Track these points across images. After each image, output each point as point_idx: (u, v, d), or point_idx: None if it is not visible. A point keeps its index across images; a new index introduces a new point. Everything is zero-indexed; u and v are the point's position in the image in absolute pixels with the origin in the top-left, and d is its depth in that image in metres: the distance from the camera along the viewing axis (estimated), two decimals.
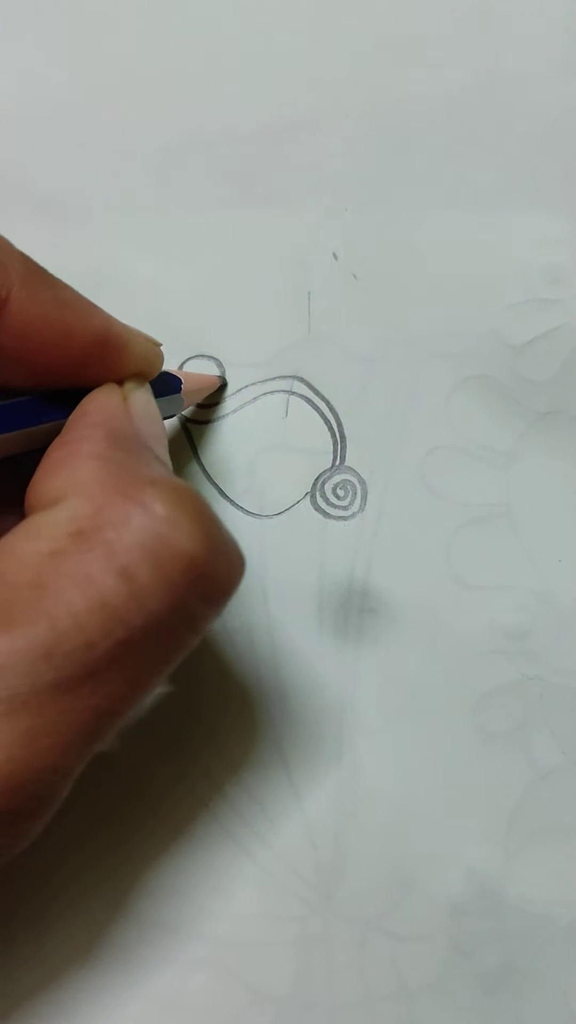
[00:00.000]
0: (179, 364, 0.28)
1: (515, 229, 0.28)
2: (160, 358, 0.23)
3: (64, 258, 0.29)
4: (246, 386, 0.28)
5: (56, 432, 0.21)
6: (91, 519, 0.17)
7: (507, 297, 0.28)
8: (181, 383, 0.25)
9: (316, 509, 0.28)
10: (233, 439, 0.28)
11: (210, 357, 0.29)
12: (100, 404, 0.21)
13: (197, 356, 0.28)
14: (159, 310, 0.29)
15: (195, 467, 0.28)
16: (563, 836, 0.27)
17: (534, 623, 0.28)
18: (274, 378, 0.28)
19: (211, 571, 0.18)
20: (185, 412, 0.28)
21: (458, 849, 0.27)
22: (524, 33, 0.29)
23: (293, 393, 0.28)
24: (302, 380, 0.28)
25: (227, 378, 0.29)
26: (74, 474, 0.18)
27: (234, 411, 0.28)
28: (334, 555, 0.28)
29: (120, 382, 0.22)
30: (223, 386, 0.29)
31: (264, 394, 0.28)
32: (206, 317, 0.29)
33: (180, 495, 0.18)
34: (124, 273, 0.29)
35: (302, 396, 0.28)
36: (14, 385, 0.21)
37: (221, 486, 0.28)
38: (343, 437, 0.28)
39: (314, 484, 0.28)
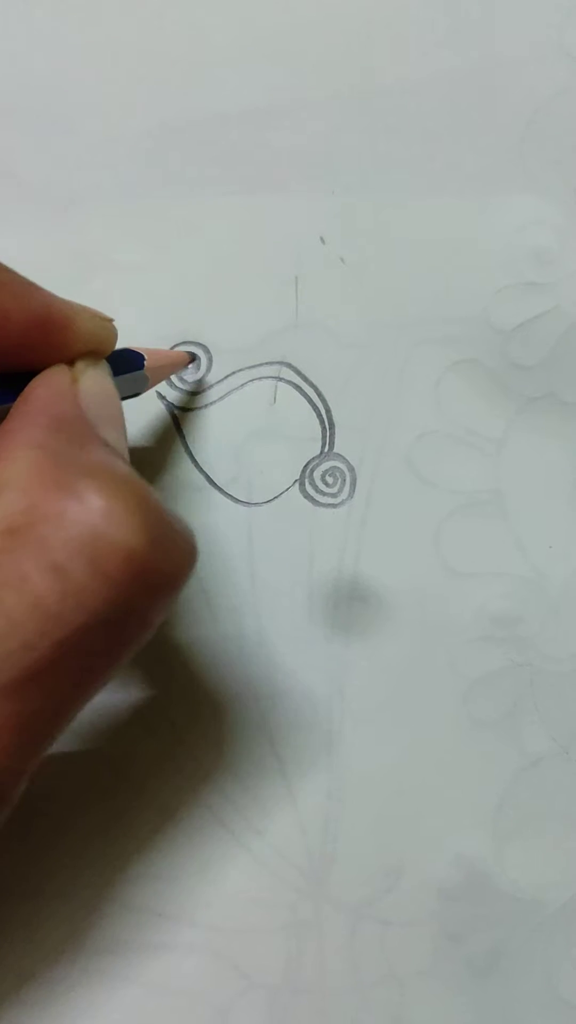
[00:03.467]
0: (169, 349, 0.28)
1: (504, 213, 0.28)
2: (112, 333, 0.22)
3: (52, 246, 0.28)
4: (234, 372, 0.28)
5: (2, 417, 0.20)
6: (24, 514, 0.17)
7: (496, 281, 0.28)
8: (144, 359, 0.24)
9: (305, 496, 0.28)
10: (221, 426, 0.28)
11: (197, 343, 0.28)
12: (43, 388, 0.20)
13: (184, 343, 0.28)
14: (147, 297, 0.28)
15: (183, 455, 0.28)
16: (552, 822, 0.27)
17: (524, 610, 0.28)
18: (262, 364, 0.28)
19: (154, 564, 0.17)
20: (175, 402, 0.28)
21: (448, 835, 0.27)
22: (512, 16, 0.28)
23: (281, 379, 0.28)
24: (290, 366, 0.28)
25: (215, 364, 0.28)
26: (10, 466, 0.17)
27: (222, 398, 0.28)
28: (323, 542, 0.28)
29: (71, 362, 0.21)
30: (194, 361, 0.28)
31: (252, 380, 0.28)
32: (194, 303, 0.28)
33: (119, 484, 0.17)
34: (112, 260, 0.28)
35: (290, 382, 0.28)
36: None
37: (209, 474, 0.28)
38: (332, 423, 0.28)
39: (303, 471, 0.28)
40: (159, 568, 0.17)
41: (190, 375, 0.28)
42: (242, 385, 0.28)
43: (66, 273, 0.28)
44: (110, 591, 0.16)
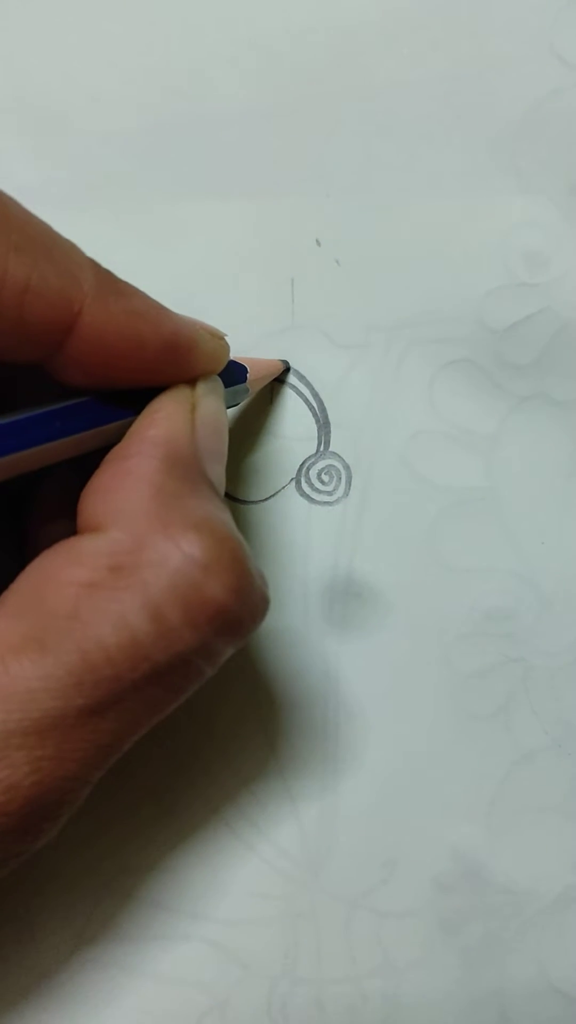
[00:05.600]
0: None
1: (497, 213, 0.28)
2: (226, 350, 0.23)
3: None
4: None
5: (120, 433, 0.21)
6: (131, 555, 0.18)
7: (489, 282, 0.28)
8: (247, 372, 0.25)
9: (301, 495, 0.28)
10: None
11: None
12: (165, 417, 0.21)
13: None
14: None
15: None
16: (545, 815, 0.28)
17: (517, 605, 0.28)
18: None
19: (236, 617, 0.19)
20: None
21: (442, 828, 0.28)
22: (505, 17, 0.28)
23: (277, 380, 0.29)
24: (286, 366, 0.29)
25: None
26: (123, 500, 0.19)
27: None
28: (319, 540, 0.28)
29: (192, 381, 0.22)
30: (287, 369, 0.29)
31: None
32: (189, 304, 0.29)
33: (219, 542, 0.18)
34: (106, 260, 0.28)
35: (286, 382, 0.29)
36: (79, 385, 0.21)
37: None
38: (327, 423, 0.29)
39: (299, 470, 0.28)
40: (240, 620, 0.19)
41: None
42: None
43: None
44: (196, 637, 0.18)
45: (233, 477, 0.28)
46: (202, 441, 0.21)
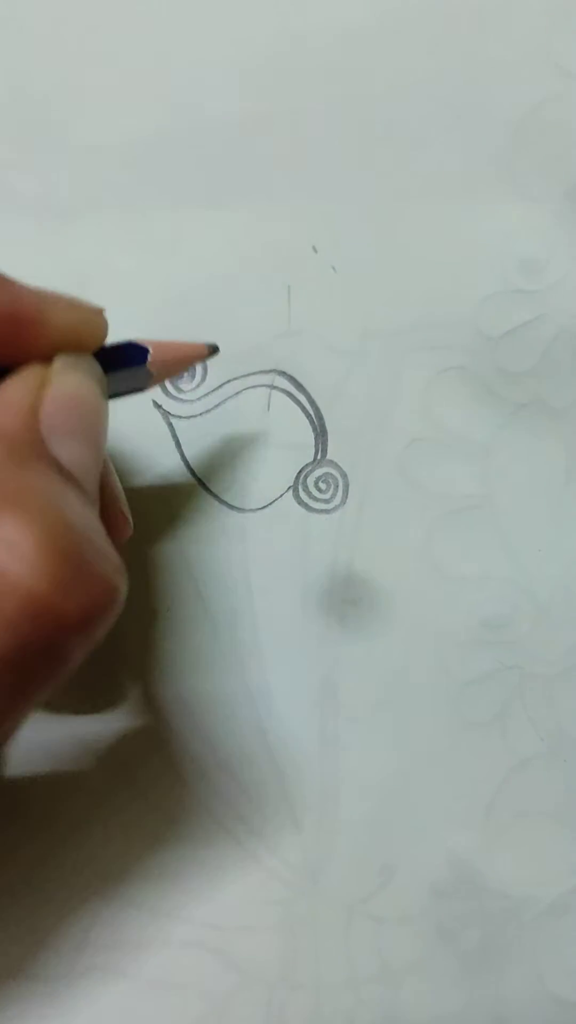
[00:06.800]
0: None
1: (492, 220, 0.28)
2: (100, 326, 0.21)
3: (46, 256, 0.29)
4: (228, 381, 0.29)
5: None
6: None
7: (485, 288, 0.28)
8: (148, 353, 0.23)
9: (299, 503, 0.28)
10: (216, 434, 0.29)
11: None
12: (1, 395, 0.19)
13: None
14: (141, 306, 0.29)
15: (179, 462, 0.29)
16: (541, 821, 0.28)
17: (513, 613, 0.28)
18: (256, 372, 0.29)
19: (58, 606, 0.16)
20: (170, 410, 0.29)
21: (440, 834, 0.28)
22: (503, 24, 0.28)
23: (275, 387, 0.29)
24: (283, 374, 0.29)
25: (209, 372, 0.29)
26: None
27: (217, 406, 0.29)
28: (317, 548, 0.28)
29: (50, 359, 0.20)
30: (214, 354, 0.25)
31: (246, 388, 0.29)
32: (187, 311, 0.29)
33: (33, 516, 0.16)
34: (106, 269, 0.29)
35: (283, 390, 0.29)
36: None
37: (205, 481, 0.29)
38: (324, 430, 0.29)
39: (296, 478, 0.29)
40: (64, 610, 0.16)
41: (186, 384, 0.29)
42: (236, 393, 0.29)
43: (62, 283, 0.29)
44: (10, 634, 0.16)
45: (230, 485, 0.28)
46: (50, 419, 0.19)
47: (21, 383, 0.19)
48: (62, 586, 0.16)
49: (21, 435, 0.18)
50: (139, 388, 0.23)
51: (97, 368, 0.21)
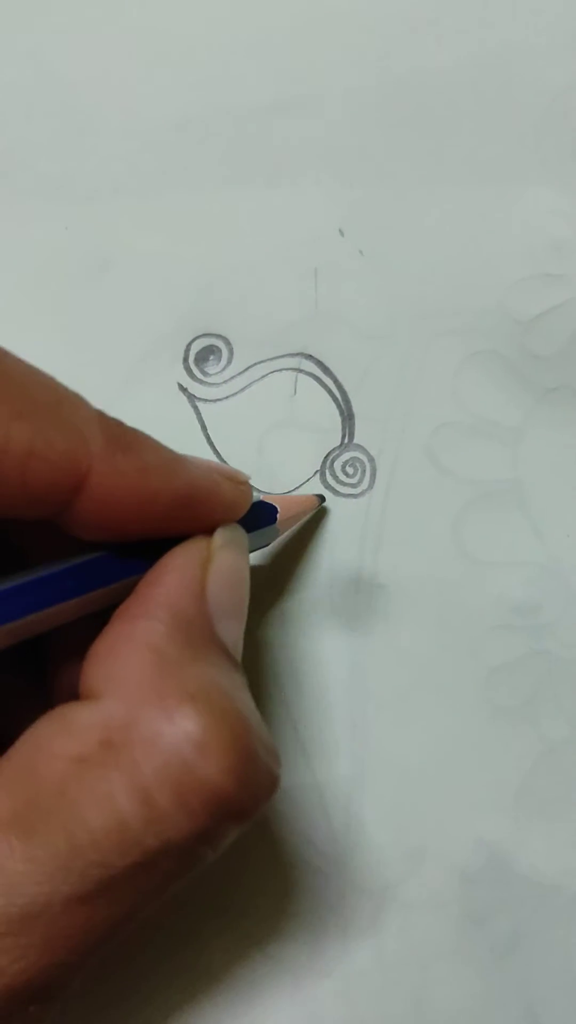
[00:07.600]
0: (186, 343, 0.28)
1: (521, 204, 0.28)
2: (248, 495, 0.22)
3: (71, 238, 0.29)
4: (255, 364, 0.29)
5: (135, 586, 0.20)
6: (122, 729, 0.17)
7: (514, 272, 0.28)
8: (276, 512, 0.24)
9: (326, 487, 0.28)
10: (243, 418, 0.28)
11: (218, 335, 0.29)
12: (174, 575, 0.20)
13: (205, 335, 0.29)
14: (166, 289, 0.29)
15: (206, 446, 0.29)
16: (571, 808, 0.28)
17: (542, 598, 0.28)
18: (282, 356, 0.29)
19: (236, 801, 0.17)
20: (196, 394, 0.29)
21: (469, 820, 0.28)
22: (528, 6, 0.28)
23: (301, 371, 0.28)
24: (310, 357, 0.29)
25: (236, 356, 0.29)
26: (121, 667, 0.18)
27: (243, 389, 0.29)
28: (344, 532, 0.28)
29: (211, 529, 0.21)
30: (323, 503, 0.28)
31: (272, 372, 0.29)
32: (213, 295, 0.29)
33: (218, 716, 0.17)
34: (131, 252, 0.29)
35: (310, 374, 0.28)
36: (92, 539, 0.20)
37: (232, 465, 0.28)
38: (351, 414, 0.28)
39: (323, 462, 0.28)
40: (241, 804, 0.17)
41: (212, 367, 0.29)
42: (263, 377, 0.28)
43: (86, 266, 0.29)
44: (191, 825, 0.17)
45: (257, 469, 0.28)
46: (214, 598, 0.20)
47: (189, 558, 0.20)
48: (242, 783, 0.17)
49: (196, 620, 0.19)
50: (264, 545, 0.25)
51: (244, 536, 0.22)
